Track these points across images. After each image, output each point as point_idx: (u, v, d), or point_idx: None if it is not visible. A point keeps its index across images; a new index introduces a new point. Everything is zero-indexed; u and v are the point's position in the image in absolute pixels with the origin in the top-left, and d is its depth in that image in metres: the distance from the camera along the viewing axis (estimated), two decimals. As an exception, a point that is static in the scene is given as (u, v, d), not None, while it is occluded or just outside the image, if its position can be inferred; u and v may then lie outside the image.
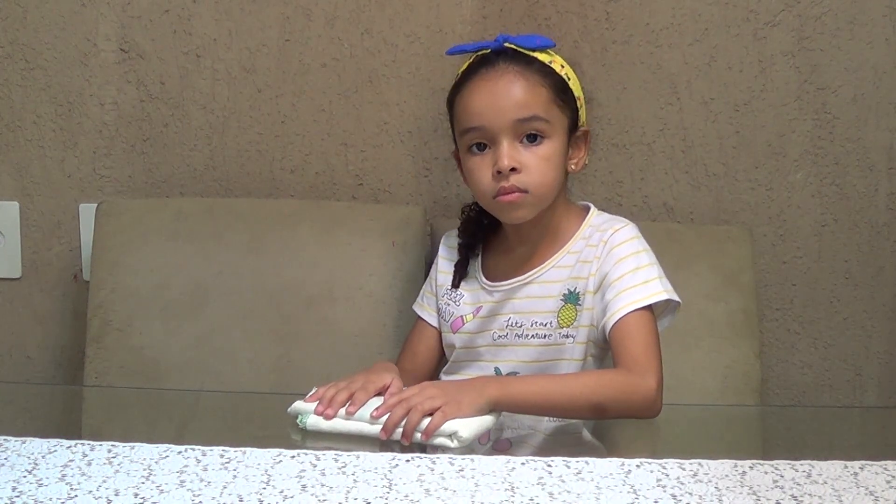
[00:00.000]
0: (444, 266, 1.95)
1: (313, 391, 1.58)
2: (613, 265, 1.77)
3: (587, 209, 1.88)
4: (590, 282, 1.79)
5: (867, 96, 2.25)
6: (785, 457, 1.39)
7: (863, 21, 2.23)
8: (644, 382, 1.65)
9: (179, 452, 1.37)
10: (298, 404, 1.56)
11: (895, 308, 2.34)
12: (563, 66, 1.83)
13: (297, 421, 1.54)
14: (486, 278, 1.88)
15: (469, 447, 1.47)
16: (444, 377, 1.91)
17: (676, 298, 1.76)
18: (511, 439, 1.62)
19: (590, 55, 2.23)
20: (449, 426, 1.49)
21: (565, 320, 1.80)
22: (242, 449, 1.38)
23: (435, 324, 1.95)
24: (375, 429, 1.51)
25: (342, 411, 1.54)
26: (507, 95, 1.77)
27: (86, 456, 1.36)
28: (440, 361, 1.95)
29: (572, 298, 1.80)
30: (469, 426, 1.50)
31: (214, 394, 1.92)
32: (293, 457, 1.36)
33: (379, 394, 1.59)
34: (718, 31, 2.23)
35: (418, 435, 1.49)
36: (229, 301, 2.13)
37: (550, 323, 1.81)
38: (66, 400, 1.87)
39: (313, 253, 2.15)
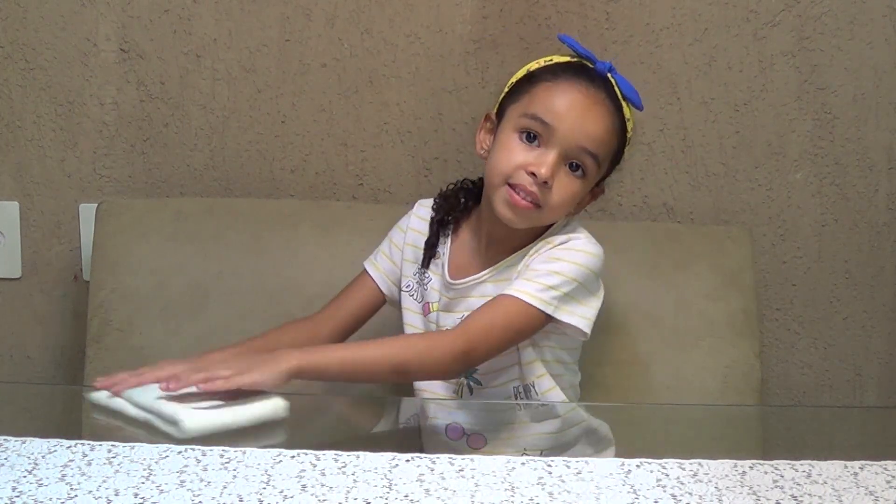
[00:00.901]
0: (413, 239, 1.90)
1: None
2: (543, 254, 1.76)
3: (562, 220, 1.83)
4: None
5: (867, 96, 2.25)
6: (785, 457, 1.39)
7: (863, 21, 2.22)
8: (447, 343, 1.68)
9: (179, 452, 1.37)
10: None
11: (895, 308, 2.34)
12: (632, 130, 1.82)
13: (91, 396, 1.56)
14: (449, 273, 1.84)
15: (439, 442, 1.48)
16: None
17: (570, 322, 1.73)
18: (486, 435, 1.62)
19: (590, 55, 2.23)
20: (265, 406, 1.49)
21: None
22: (242, 449, 1.38)
23: (384, 289, 1.91)
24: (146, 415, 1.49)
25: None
26: (593, 121, 1.73)
27: (86, 456, 1.36)
28: (360, 325, 1.91)
29: None
30: (203, 418, 1.46)
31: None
32: (293, 457, 1.36)
33: None
34: (718, 31, 2.23)
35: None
36: (229, 301, 2.13)
37: None
38: (66, 400, 1.87)
39: (313, 253, 2.15)
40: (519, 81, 1.82)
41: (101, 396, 1.56)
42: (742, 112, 2.26)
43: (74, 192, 2.30)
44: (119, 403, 1.54)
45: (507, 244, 1.81)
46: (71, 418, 1.73)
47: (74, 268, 2.33)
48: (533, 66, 1.82)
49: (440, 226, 1.88)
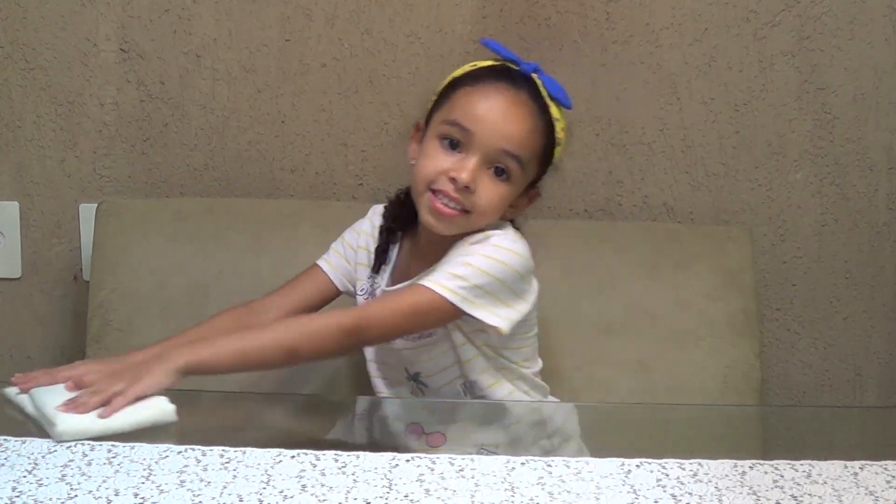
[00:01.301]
0: (365, 242, 1.88)
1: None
2: (458, 249, 1.73)
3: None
4: None
5: (867, 96, 2.25)
6: (785, 457, 1.39)
7: (863, 21, 2.22)
8: (335, 321, 1.67)
9: (179, 452, 1.37)
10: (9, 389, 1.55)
11: (895, 308, 2.34)
12: (562, 130, 1.79)
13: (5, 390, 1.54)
14: (391, 281, 1.83)
15: (399, 442, 1.48)
16: (376, 381, 1.88)
17: (482, 318, 1.69)
18: (445, 433, 1.62)
19: (590, 55, 2.23)
20: (151, 408, 1.48)
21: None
22: (242, 449, 1.38)
23: (337, 282, 1.88)
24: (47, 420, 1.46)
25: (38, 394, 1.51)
26: (513, 123, 1.72)
27: (86, 456, 1.36)
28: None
29: None
30: (79, 423, 1.43)
31: (214, 393, 1.92)
32: (293, 457, 1.36)
33: None
34: (718, 31, 2.23)
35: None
36: (229, 301, 2.12)
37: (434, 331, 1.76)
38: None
39: (313, 253, 2.14)
40: (443, 89, 1.80)
41: (11, 392, 1.54)
42: (742, 112, 2.26)
43: (74, 192, 2.30)
44: (22, 400, 1.52)
45: (441, 251, 1.76)
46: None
47: (74, 268, 2.33)
48: (457, 72, 1.81)
49: (388, 233, 1.86)
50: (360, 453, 1.38)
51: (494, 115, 1.72)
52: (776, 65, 2.24)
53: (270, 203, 2.23)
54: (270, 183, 2.30)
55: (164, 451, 1.37)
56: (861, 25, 2.23)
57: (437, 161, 1.73)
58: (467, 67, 1.81)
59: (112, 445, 1.38)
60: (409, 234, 1.86)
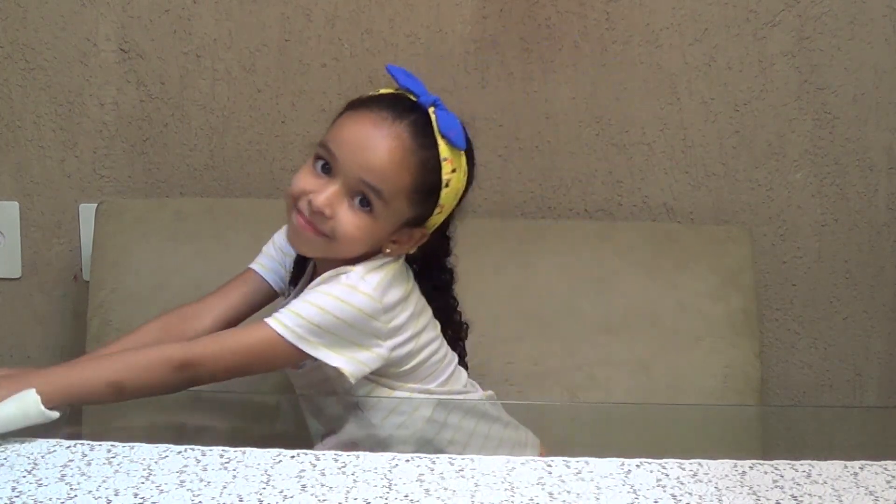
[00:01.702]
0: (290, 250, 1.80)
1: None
2: (311, 287, 1.66)
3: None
4: None
5: (867, 96, 2.25)
6: (785, 457, 1.39)
7: (863, 21, 2.22)
8: (163, 355, 1.58)
9: (179, 452, 1.37)
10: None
11: (895, 308, 2.34)
12: (454, 171, 1.66)
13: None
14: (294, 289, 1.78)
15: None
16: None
17: (329, 361, 1.61)
18: (357, 440, 1.62)
19: (590, 55, 2.23)
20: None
21: None
22: (242, 449, 1.38)
23: (271, 282, 1.82)
24: None
25: None
26: (375, 153, 1.62)
27: (85, 456, 1.36)
28: (245, 318, 1.81)
29: None
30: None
31: (214, 394, 1.92)
32: (293, 457, 1.36)
33: None
34: (718, 31, 2.23)
35: None
36: (229, 301, 2.13)
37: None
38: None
39: (313, 253, 2.15)
40: (342, 110, 1.72)
41: None
42: (742, 112, 2.26)
43: (74, 192, 2.30)
44: None
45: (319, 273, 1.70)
46: (71, 418, 1.73)
47: (74, 268, 2.33)
48: (358, 96, 1.73)
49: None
50: (360, 453, 1.38)
51: (359, 142, 1.63)
52: (776, 65, 2.24)
53: (270, 203, 2.23)
54: (270, 183, 2.29)
55: (164, 451, 1.37)
56: (861, 25, 2.22)
57: (303, 181, 1.65)
58: (369, 92, 1.74)
59: (112, 445, 1.38)
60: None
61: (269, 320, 1.59)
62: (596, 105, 2.25)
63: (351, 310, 1.61)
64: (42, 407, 1.42)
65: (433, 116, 1.65)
